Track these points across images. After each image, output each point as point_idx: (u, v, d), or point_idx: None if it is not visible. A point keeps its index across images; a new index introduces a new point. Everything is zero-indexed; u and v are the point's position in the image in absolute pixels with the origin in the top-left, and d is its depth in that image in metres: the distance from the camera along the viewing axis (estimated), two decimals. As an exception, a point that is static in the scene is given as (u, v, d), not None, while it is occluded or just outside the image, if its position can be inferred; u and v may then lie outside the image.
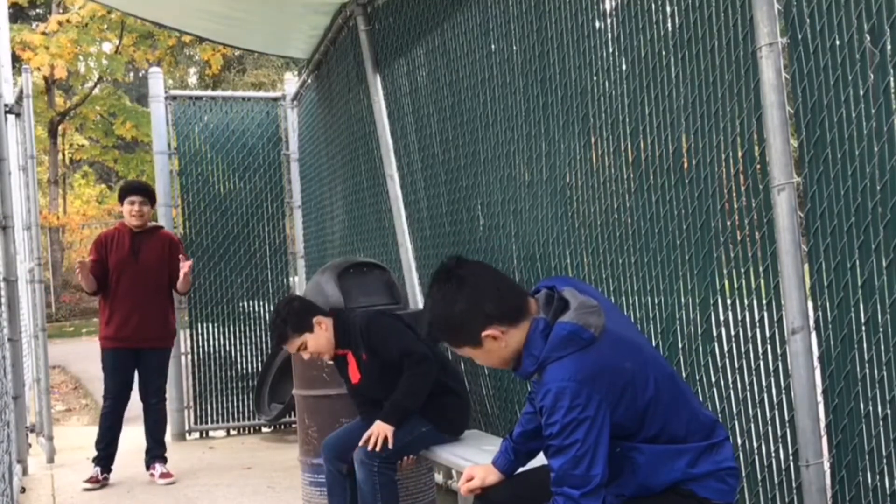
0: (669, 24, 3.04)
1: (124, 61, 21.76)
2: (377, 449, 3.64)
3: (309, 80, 7.12)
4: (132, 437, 5.95)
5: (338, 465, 3.88)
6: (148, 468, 5.62)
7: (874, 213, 2.36)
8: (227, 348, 7.22)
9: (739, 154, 2.78)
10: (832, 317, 2.52)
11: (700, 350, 3.01)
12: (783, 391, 2.69)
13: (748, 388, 2.83)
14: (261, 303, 7.35)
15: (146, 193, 5.67)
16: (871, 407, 2.42)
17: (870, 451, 2.44)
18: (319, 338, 3.82)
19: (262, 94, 9.24)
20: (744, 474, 2.82)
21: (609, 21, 3.40)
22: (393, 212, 5.39)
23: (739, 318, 2.84)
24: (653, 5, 3.10)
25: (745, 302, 2.81)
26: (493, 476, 2.64)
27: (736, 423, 2.88)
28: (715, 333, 2.94)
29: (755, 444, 2.82)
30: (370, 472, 3.64)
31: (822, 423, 2.57)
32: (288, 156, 7.65)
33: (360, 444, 3.68)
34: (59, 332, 17.48)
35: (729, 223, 2.86)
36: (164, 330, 5.64)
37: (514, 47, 3.97)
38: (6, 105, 6.12)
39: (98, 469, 5.48)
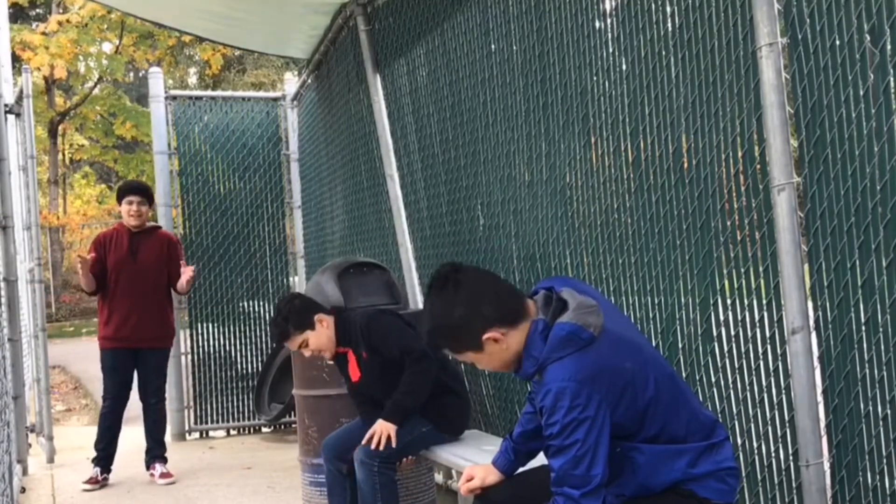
0: (669, 24, 3.04)
1: (124, 61, 21.79)
2: (380, 448, 3.64)
3: (309, 80, 7.12)
4: (132, 437, 5.95)
5: (338, 464, 3.88)
6: (148, 468, 5.62)
7: (874, 213, 2.36)
8: (227, 348, 7.22)
9: (739, 154, 2.78)
10: (832, 317, 2.52)
11: (700, 350, 3.01)
12: (783, 391, 2.69)
13: (748, 388, 2.83)
14: (261, 303, 7.34)
15: (144, 193, 5.66)
16: (871, 407, 2.42)
17: (870, 451, 2.44)
18: (321, 335, 3.82)
19: (262, 94, 9.24)
20: (744, 474, 2.82)
21: (609, 21, 3.39)
22: (393, 212, 5.39)
23: (739, 318, 2.84)
24: (653, 5, 3.09)
25: (745, 302, 2.81)
26: (493, 476, 2.65)
27: (736, 423, 2.88)
28: (715, 333, 2.94)
29: (755, 444, 2.82)
30: (370, 471, 3.64)
31: (822, 423, 2.57)
32: (288, 156, 7.65)
33: (363, 443, 3.68)
34: (59, 332, 17.48)
35: (729, 223, 2.86)
36: (162, 330, 5.64)
37: (514, 47, 3.97)
38: (6, 105, 6.12)
39: (97, 469, 5.48)
